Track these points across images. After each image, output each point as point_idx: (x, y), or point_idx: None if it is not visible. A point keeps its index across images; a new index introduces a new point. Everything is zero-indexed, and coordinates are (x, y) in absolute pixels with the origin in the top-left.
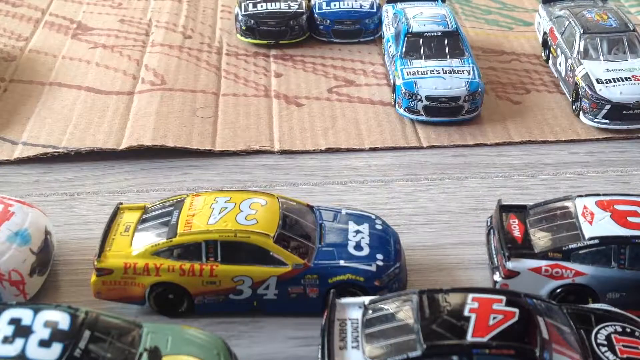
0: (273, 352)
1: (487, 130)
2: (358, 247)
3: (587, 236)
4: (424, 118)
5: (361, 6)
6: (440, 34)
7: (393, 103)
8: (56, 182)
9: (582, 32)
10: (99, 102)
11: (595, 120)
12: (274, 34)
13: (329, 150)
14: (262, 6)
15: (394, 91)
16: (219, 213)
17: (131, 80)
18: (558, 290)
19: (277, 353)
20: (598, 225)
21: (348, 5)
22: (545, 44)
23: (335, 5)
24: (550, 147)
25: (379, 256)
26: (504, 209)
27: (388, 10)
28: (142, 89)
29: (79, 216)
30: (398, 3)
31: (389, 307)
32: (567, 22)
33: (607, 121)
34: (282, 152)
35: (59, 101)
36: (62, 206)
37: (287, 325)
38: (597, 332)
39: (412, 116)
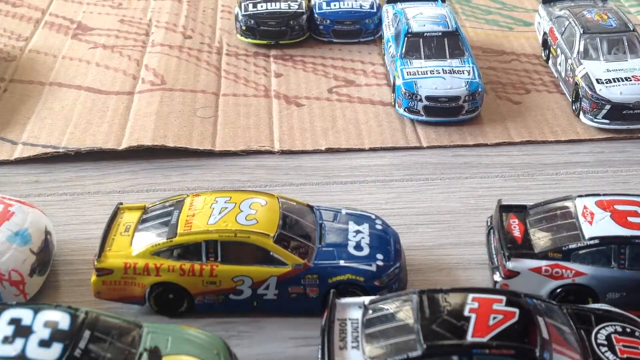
0: (273, 352)
1: (487, 130)
2: (358, 247)
3: (587, 236)
4: (424, 118)
5: (361, 6)
6: (440, 34)
7: (393, 103)
8: (56, 182)
9: (582, 32)
10: (99, 102)
11: (595, 120)
12: (274, 34)
13: (329, 151)
14: (262, 6)
15: (394, 91)
16: (219, 213)
17: (131, 80)
18: (558, 290)
19: (277, 353)
20: (598, 225)
21: (348, 5)
22: (545, 44)
23: (335, 5)
24: (550, 147)
25: (379, 256)
26: (504, 209)
27: (388, 11)
28: (142, 89)
29: (79, 216)
30: (398, 3)
31: (389, 307)
32: (567, 22)
33: (607, 121)
34: (282, 152)
35: (59, 101)
36: (62, 206)
37: (287, 325)
38: (597, 332)
39: (412, 116)
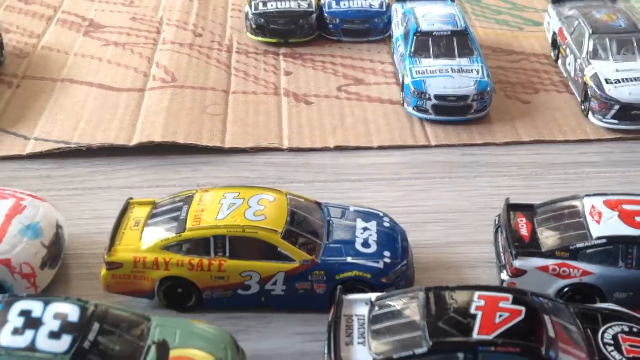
0: (280, 347)
1: (496, 129)
2: (365, 244)
3: (594, 235)
4: (432, 117)
5: (370, 5)
6: (449, 33)
7: (402, 102)
8: (68, 177)
9: (591, 32)
10: (110, 99)
11: (604, 120)
12: (284, 32)
13: (338, 148)
14: (272, 5)
15: (402, 90)
16: (228, 208)
17: (142, 78)
18: (565, 289)
19: (284, 348)
20: (606, 224)
21: (357, 4)
22: (554, 44)
23: (344, 4)
24: (558, 146)
25: (386, 253)
26: (512, 208)
27: (397, 9)
28: (152, 86)
29: (90, 211)
30: (407, 2)
31: (396, 303)
32: (577, 22)
33: (615, 121)
34: (291, 150)
35: (71, 97)
36: (73, 201)
37: (294, 321)
38: (604, 332)
39: (421, 115)
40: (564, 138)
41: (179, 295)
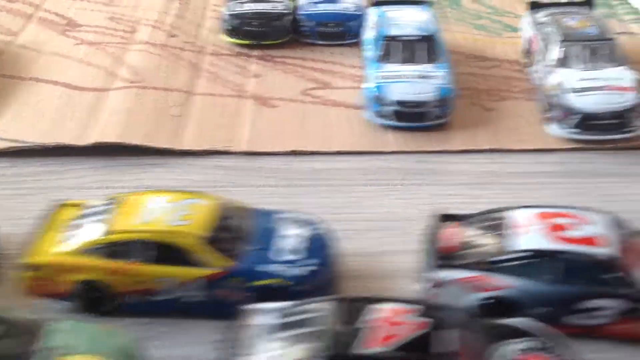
0: (192, 355)
1: (455, 136)
2: (290, 251)
3: (516, 248)
4: (392, 123)
5: (346, 9)
6: (416, 38)
7: (364, 107)
8: (20, 176)
9: (560, 39)
10: (74, 99)
11: (566, 129)
12: (258, 34)
13: (294, 153)
14: (248, 6)
15: (365, 95)
16: (154, 213)
17: (109, 77)
18: (483, 302)
19: (196, 356)
20: (529, 238)
21: (332, 7)
22: (527, 51)
23: (320, 7)
24: (517, 155)
25: (310, 261)
26: (447, 218)
27: (372, 13)
28: (118, 86)
29: (35, 211)
30: (383, 6)
31: (304, 313)
32: (548, 29)
33: (577, 130)
34: (246, 153)
35: (35, 96)
36: (23, 200)
37: (210, 328)
38: (510, 347)
39: (381, 120)
40: (521, 147)
41: (96, 299)
